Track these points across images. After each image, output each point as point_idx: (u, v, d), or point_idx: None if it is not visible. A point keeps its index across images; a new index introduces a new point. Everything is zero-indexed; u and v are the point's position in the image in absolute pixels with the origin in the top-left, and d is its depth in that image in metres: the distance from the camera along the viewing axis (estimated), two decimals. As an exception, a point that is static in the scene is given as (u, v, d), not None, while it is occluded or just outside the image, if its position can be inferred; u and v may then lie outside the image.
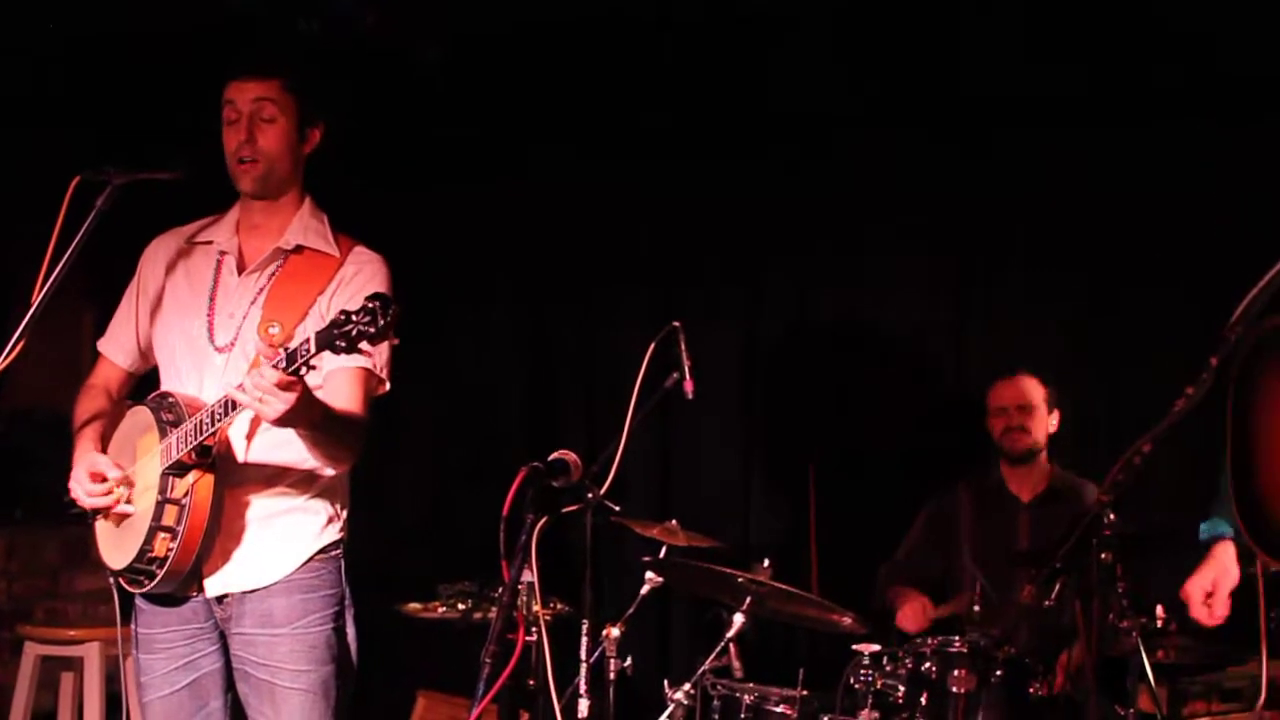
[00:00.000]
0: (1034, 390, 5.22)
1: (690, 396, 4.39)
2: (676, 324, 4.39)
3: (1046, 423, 5.23)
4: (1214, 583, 3.13)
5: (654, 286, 6.15)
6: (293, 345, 3.09)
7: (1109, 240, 5.56)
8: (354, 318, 2.99)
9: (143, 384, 3.76)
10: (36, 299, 3.29)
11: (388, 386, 3.63)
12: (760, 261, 6.15)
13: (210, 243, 3.68)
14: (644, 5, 5.36)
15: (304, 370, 3.10)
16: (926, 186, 5.85)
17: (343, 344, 3.00)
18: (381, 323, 2.98)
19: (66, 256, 3.30)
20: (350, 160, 5.79)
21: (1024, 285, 5.78)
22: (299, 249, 3.62)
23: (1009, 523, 5.22)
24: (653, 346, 4.35)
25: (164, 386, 3.62)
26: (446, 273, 6.22)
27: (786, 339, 6.10)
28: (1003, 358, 5.49)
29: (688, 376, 4.38)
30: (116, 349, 3.79)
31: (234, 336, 3.54)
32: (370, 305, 2.99)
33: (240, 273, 3.61)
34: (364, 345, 3.02)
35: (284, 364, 3.09)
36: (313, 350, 3.05)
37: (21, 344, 3.26)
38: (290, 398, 3.11)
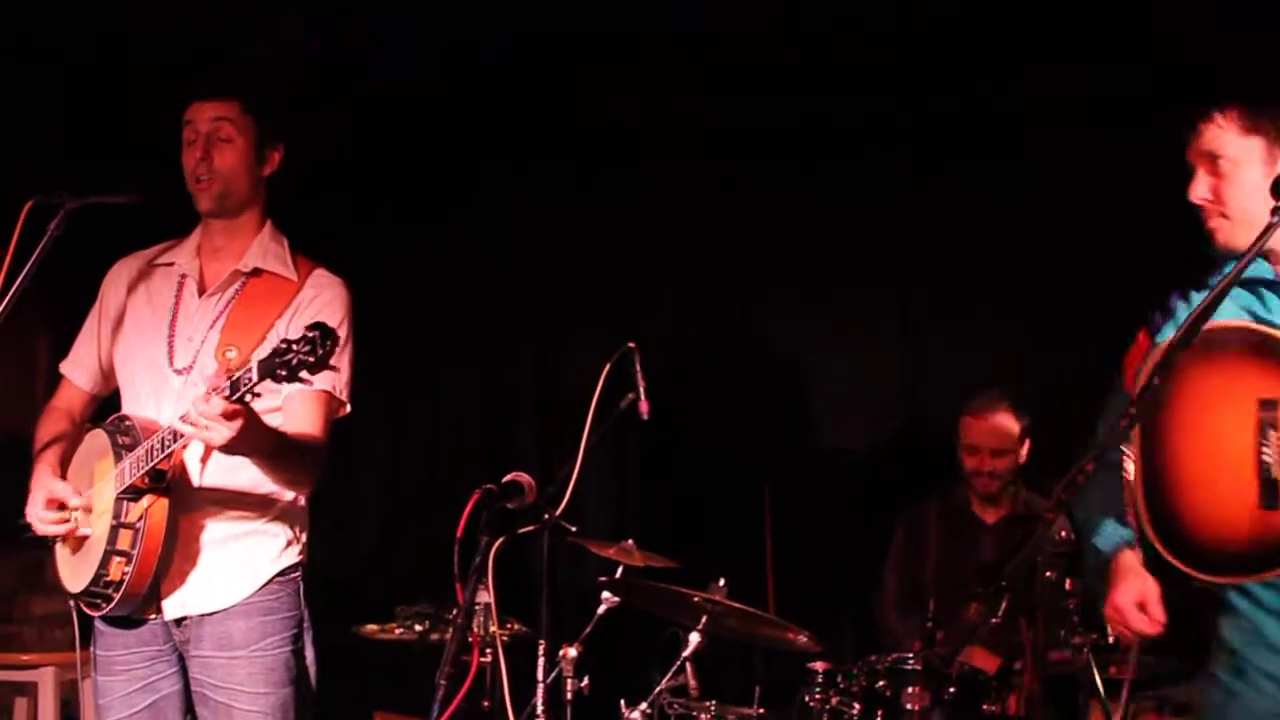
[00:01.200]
0: (1008, 427, 5.10)
1: (646, 417, 4.41)
2: (631, 345, 4.41)
3: (1018, 457, 5.15)
4: (1140, 592, 3.03)
5: (608, 308, 6.17)
6: (237, 373, 3.10)
7: (1054, 256, 5.62)
8: (294, 347, 2.99)
9: (106, 406, 3.76)
10: (-9, 325, 3.29)
11: (348, 408, 3.64)
12: (710, 280, 6.17)
13: (171, 265, 3.70)
14: (589, 23, 5.37)
15: (249, 397, 3.10)
16: (873, 206, 5.90)
17: (283, 373, 3.00)
18: (320, 352, 2.98)
19: (20, 281, 3.30)
20: (307, 186, 5.87)
21: (976, 302, 5.82)
22: (257, 272, 3.63)
23: (972, 545, 5.20)
24: (608, 367, 4.37)
25: (124, 409, 3.63)
26: (401, 296, 6.22)
27: (740, 359, 6.13)
28: (958, 376, 5.52)
29: (643, 397, 4.41)
30: (79, 371, 3.79)
31: (193, 360, 3.55)
32: (310, 335, 2.99)
33: (201, 295, 3.62)
34: (304, 374, 3.02)
35: (227, 392, 3.09)
36: (254, 378, 3.05)
37: (-25, 369, 3.28)
38: (235, 425, 3.11)
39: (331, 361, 3.02)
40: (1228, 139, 2.97)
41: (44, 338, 5.27)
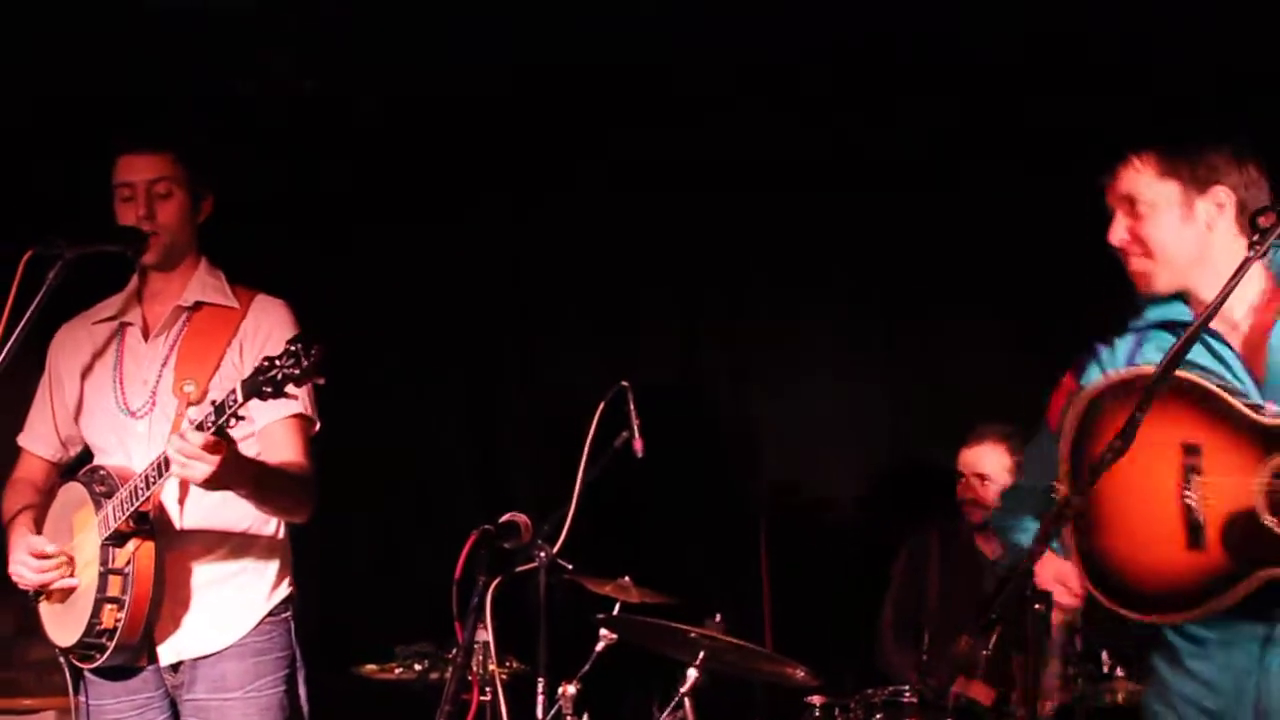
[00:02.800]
0: (991, 459, 5.08)
1: (640, 455, 4.44)
2: (625, 384, 4.44)
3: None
4: (1058, 571, 3.04)
5: (601, 346, 6.19)
6: (219, 399, 3.11)
7: (1046, 287, 5.64)
8: (277, 362, 3.02)
9: (68, 474, 3.77)
10: (-10, 374, 3.31)
11: (318, 425, 3.65)
12: (701, 315, 6.19)
13: (113, 318, 3.73)
14: (577, 54, 5.41)
15: (232, 423, 3.11)
16: (860, 237, 5.93)
17: (269, 389, 3.02)
18: (306, 363, 3.00)
19: (18, 330, 3.32)
20: (287, 216, 5.91)
21: (959, 333, 5.85)
22: (198, 305, 3.66)
23: (973, 577, 5.17)
24: (602, 406, 4.40)
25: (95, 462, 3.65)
26: (394, 334, 6.24)
27: (733, 392, 6.15)
28: (949, 407, 5.54)
29: (637, 435, 4.44)
30: (37, 441, 3.81)
31: (150, 400, 3.57)
32: (292, 348, 3.02)
33: (146, 339, 3.65)
34: (290, 388, 3.04)
35: (211, 419, 3.10)
36: (240, 400, 3.07)
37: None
38: (215, 459, 3.13)
39: (289, 388, 3.03)
40: (1145, 182, 2.98)
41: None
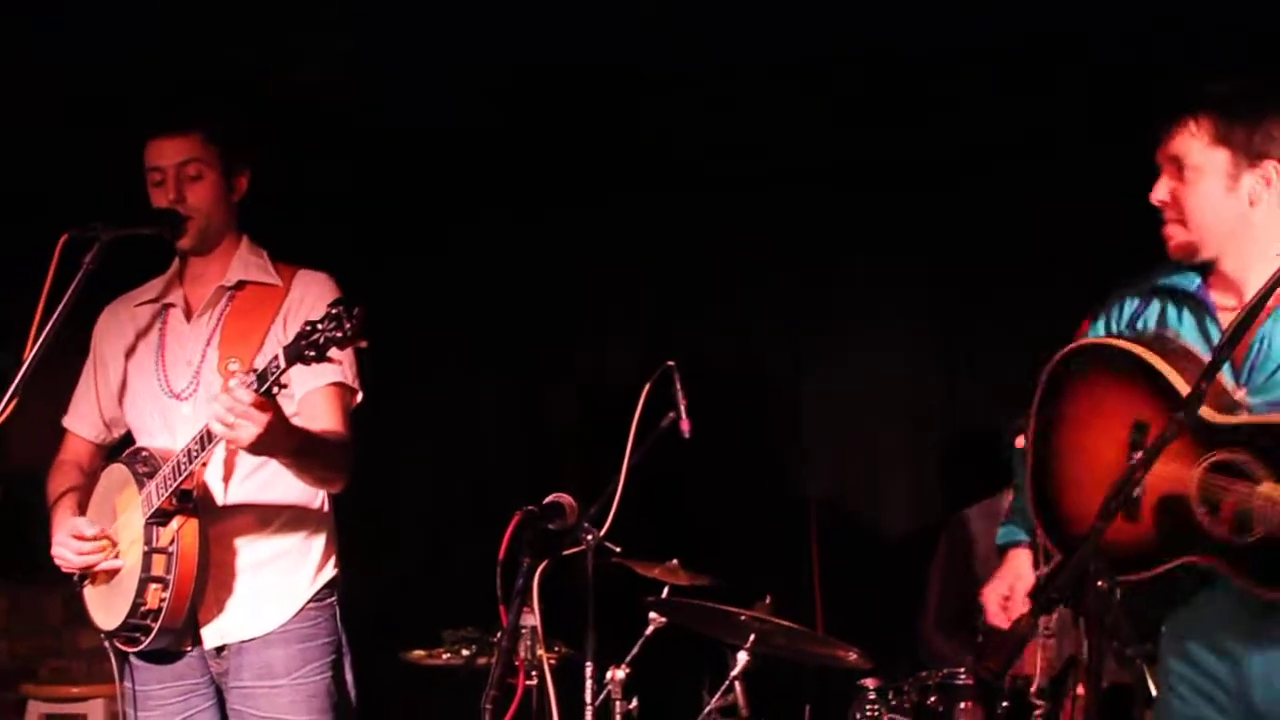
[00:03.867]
0: None
1: (687, 435, 4.38)
2: (671, 363, 4.39)
3: None
4: (1010, 588, 3.31)
5: (647, 325, 6.16)
6: (266, 359, 3.07)
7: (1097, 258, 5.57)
8: (319, 326, 2.98)
9: (112, 455, 3.76)
10: (28, 357, 3.29)
11: (360, 396, 3.62)
12: (750, 297, 6.15)
13: (155, 300, 3.70)
14: (610, 55, 5.36)
15: (275, 389, 3.07)
16: (910, 229, 5.90)
17: (312, 353, 2.98)
18: (349, 325, 2.96)
19: (57, 314, 3.30)
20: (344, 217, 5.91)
21: (1017, 306, 5.79)
22: (241, 284, 3.63)
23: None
24: (648, 386, 4.34)
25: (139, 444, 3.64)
26: (440, 317, 6.23)
27: (781, 374, 6.11)
28: (999, 383, 5.47)
29: (684, 415, 4.38)
30: (81, 423, 3.79)
31: (194, 381, 3.54)
32: (334, 311, 2.98)
33: (189, 320, 3.62)
34: (333, 352, 3.00)
35: (255, 384, 3.07)
36: (283, 365, 3.03)
37: (15, 402, 3.26)
38: (263, 418, 3.08)
39: (333, 352, 3.00)
40: (1196, 147, 2.95)
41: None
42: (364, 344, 3.05)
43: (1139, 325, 3.07)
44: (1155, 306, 3.07)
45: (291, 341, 3.01)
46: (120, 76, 5.13)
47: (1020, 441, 3.17)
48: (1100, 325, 3.16)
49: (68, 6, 4.75)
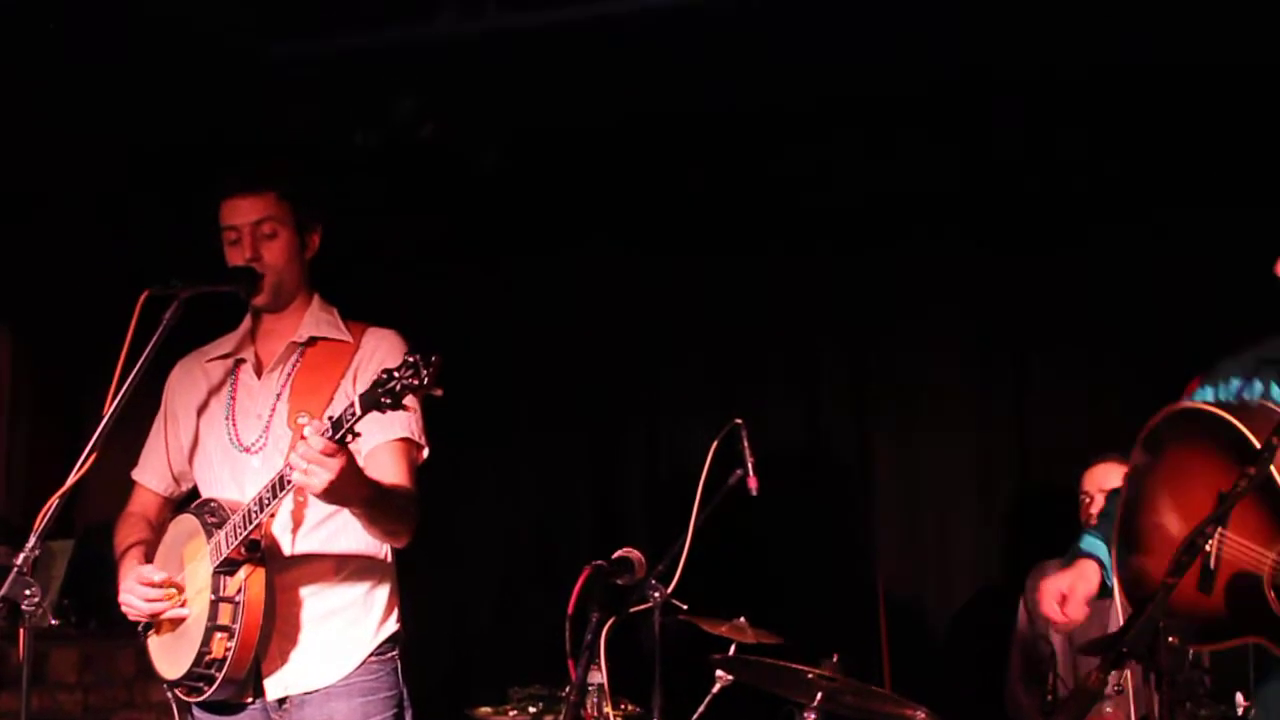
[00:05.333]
0: (1115, 475, 4.81)
1: (754, 493, 4.38)
2: (739, 421, 4.40)
3: None
4: (1071, 586, 3.27)
5: (715, 384, 6.17)
6: (336, 413, 3.11)
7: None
8: (396, 373, 3.00)
9: (179, 508, 3.81)
10: (108, 412, 3.34)
11: (426, 452, 3.64)
12: (817, 358, 6.16)
13: (228, 355, 3.75)
14: (692, 102, 5.41)
15: (349, 438, 3.10)
16: (975, 270, 5.89)
17: (388, 400, 3.00)
18: (425, 373, 2.98)
19: (136, 370, 3.36)
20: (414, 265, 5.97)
21: (1077, 365, 5.76)
22: (312, 340, 3.68)
23: (1098, 613, 5.06)
24: (715, 444, 4.36)
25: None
26: (512, 374, 6.27)
27: (846, 431, 6.10)
28: (1064, 443, 5.44)
29: (751, 473, 4.38)
30: (150, 475, 3.84)
31: (264, 436, 3.59)
32: (411, 359, 3.00)
33: (260, 375, 3.67)
34: (409, 400, 3.02)
35: (330, 431, 3.10)
36: (358, 413, 3.05)
37: (94, 456, 3.31)
38: (335, 465, 3.10)
39: (407, 401, 3.02)
40: None
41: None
42: (439, 392, 3.05)
43: (1244, 396, 3.07)
44: (1260, 380, 3.07)
45: (368, 389, 3.04)
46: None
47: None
48: (1209, 391, 3.15)
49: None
